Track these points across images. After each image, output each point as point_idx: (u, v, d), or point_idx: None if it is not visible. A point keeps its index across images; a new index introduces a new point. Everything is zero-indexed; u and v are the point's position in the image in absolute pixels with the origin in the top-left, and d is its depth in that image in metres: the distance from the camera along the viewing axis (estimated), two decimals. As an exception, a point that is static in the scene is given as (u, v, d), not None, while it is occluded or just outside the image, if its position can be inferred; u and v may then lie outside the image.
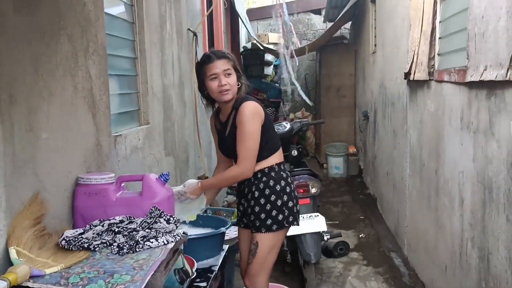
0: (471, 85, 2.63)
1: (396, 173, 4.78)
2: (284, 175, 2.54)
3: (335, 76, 8.36)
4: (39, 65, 1.80)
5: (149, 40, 3.22)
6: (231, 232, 3.31)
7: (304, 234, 3.38)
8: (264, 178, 2.50)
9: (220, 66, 2.45)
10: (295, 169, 3.83)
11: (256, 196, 2.50)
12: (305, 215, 3.45)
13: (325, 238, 3.67)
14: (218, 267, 2.57)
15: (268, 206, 2.48)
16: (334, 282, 3.88)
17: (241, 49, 9.05)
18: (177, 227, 1.84)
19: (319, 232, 3.46)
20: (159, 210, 1.84)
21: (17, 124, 1.63)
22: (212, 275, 2.41)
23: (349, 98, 8.36)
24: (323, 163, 8.32)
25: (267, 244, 2.49)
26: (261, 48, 8.34)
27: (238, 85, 2.51)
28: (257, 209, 2.49)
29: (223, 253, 2.78)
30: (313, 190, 3.62)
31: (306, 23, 10.15)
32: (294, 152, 4.27)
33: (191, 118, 4.43)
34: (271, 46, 8.83)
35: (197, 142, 4.60)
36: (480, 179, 2.55)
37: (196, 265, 2.40)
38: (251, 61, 8.81)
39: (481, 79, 2.40)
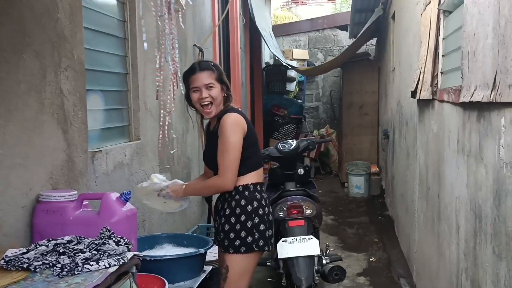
0: (465, 106, 2.48)
1: (408, 195, 4.58)
2: (258, 196, 2.43)
3: (357, 93, 8.16)
4: (-4, 82, 1.79)
5: (144, 56, 3.21)
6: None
7: (296, 257, 3.25)
8: (237, 196, 2.41)
9: (202, 79, 2.44)
10: (290, 190, 3.70)
11: (227, 213, 2.41)
12: (298, 238, 3.32)
13: (324, 261, 3.52)
14: (194, 289, 2.50)
15: (238, 226, 2.38)
16: (334, 307, 3.73)
17: (263, 65, 9.03)
18: (129, 249, 1.77)
19: (312, 256, 3.32)
20: (109, 231, 1.78)
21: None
22: (183, 298, 2.34)
23: (371, 116, 8.14)
24: (344, 182, 8.12)
25: (238, 267, 2.37)
26: (283, 64, 8.29)
27: (225, 96, 2.48)
28: (227, 227, 2.40)
29: (203, 275, 2.70)
30: (308, 212, 3.49)
31: (332, 39, 10.04)
32: (301, 171, 4.14)
33: (195, 134, 4.39)
34: (294, 63, 8.76)
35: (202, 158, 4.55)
36: (472, 206, 2.38)
37: (168, 287, 2.34)
38: (273, 77, 8.78)
39: (471, 99, 2.26)
